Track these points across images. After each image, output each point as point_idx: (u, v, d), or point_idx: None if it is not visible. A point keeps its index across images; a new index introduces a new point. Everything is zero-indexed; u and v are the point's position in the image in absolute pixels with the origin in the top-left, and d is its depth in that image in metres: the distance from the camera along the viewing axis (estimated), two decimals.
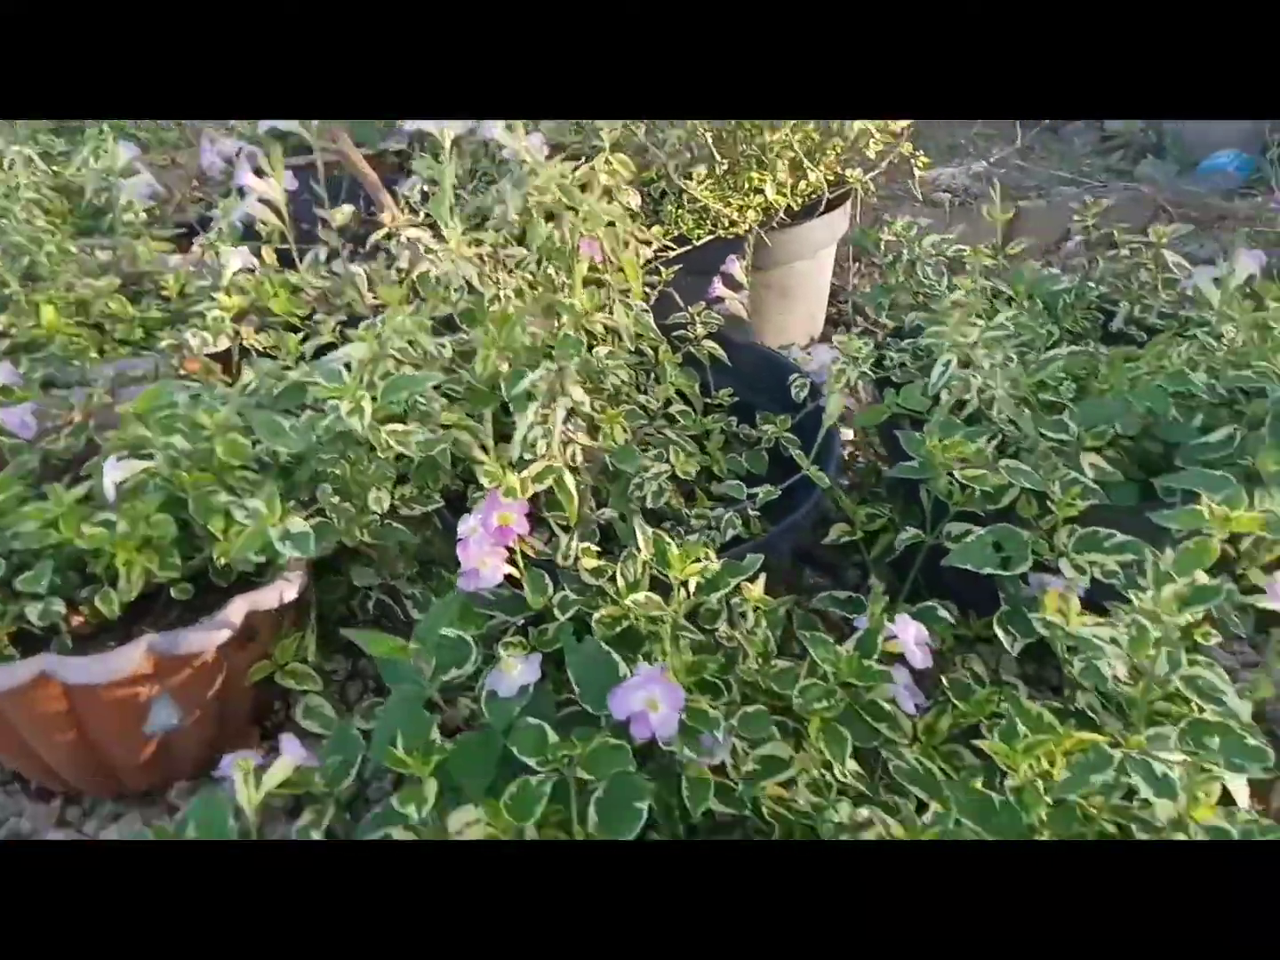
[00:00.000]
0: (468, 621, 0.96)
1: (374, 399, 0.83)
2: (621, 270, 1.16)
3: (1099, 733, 0.83)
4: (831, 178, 1.82)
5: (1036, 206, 3.40)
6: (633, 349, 1.17)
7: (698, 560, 0.89)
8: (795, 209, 1.82)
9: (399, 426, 0.87)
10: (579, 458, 0.90)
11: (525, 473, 0.83)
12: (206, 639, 0.92)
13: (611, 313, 1.15)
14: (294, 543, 0.83)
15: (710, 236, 1.68)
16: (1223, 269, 1.07)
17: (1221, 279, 1.07)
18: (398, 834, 0.84)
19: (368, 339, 0.83)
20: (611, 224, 1.16)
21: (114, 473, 0.86)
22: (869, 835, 0.80)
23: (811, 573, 1.19)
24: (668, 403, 1.13)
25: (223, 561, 0.91)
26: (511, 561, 0.86)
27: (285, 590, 0.97)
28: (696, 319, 1.28)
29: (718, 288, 1.37)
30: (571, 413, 0.95)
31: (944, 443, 0.92)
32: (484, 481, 0.82)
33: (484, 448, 0.85)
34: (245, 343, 1.24)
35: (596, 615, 0.87)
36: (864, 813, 0.82)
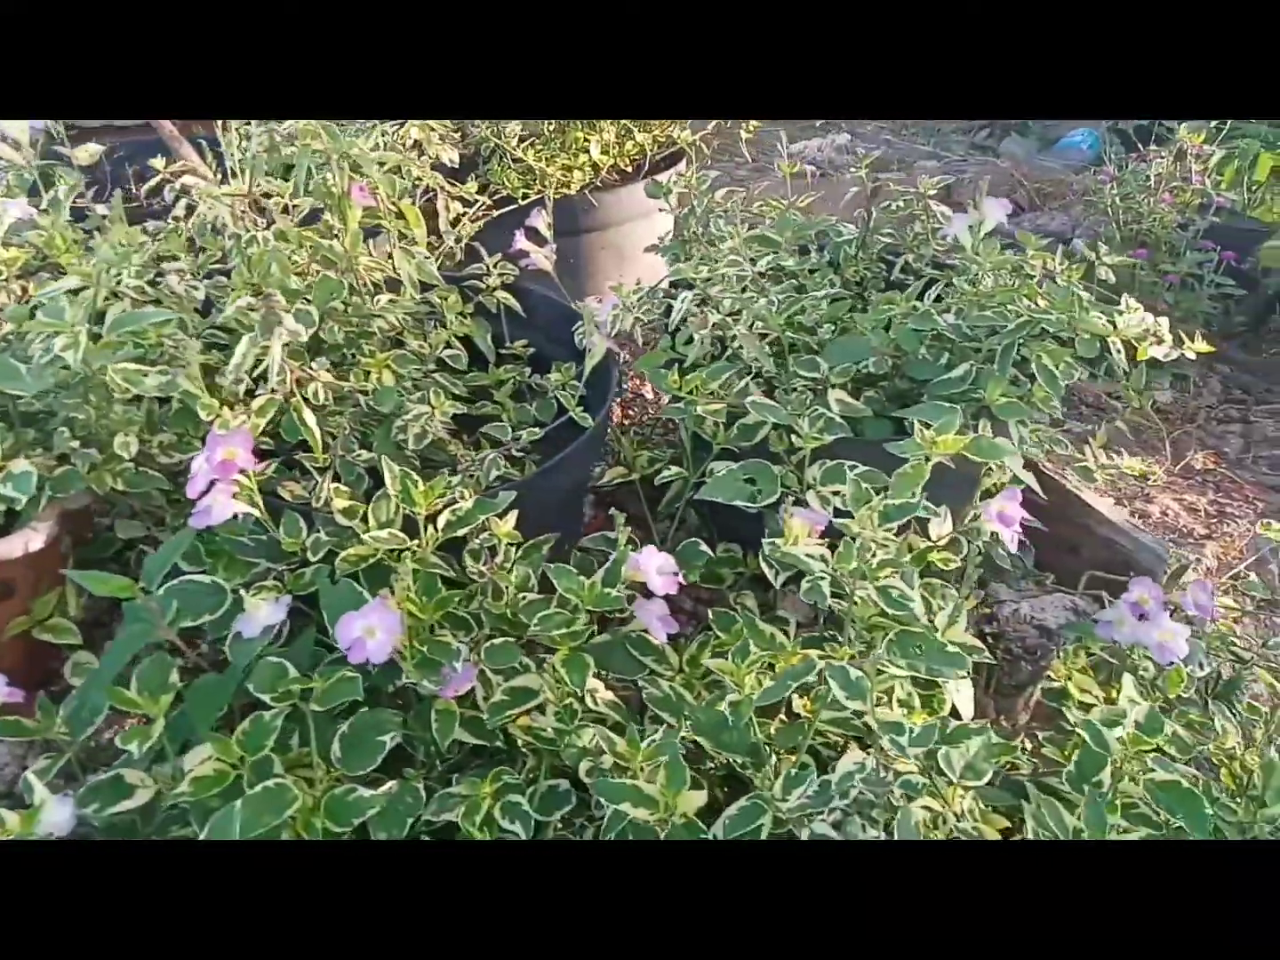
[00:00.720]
0: (228, 569, 0.96)
1: (98, 337, 0.82)
2: (403, 218, 1.16)
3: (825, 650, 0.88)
4: (664, 139, 1.85)
5: (895, 178, 3.50)
6: (418, 297, 1.17)
7: (441, 496, 0.90)
8: (626, 170, 1.84)
9: (131, 366, 0.85)
10: (321, 395, 0.90)
11: (254, 403, 0.83)
12: None
13: (391, 259, 1.15)
14: (15, 484, 0.81)
15: (536, 196, 1.69)
16: (974, 217, 1.12)
17: (974, 226, 1.13)
18: (129, 775, 0.84)
19: (86, 273, 0.81)
20: (394, 171, 1.15)
21: None
22: (606, 760, 0.84)
23: (597, 513, 1.22)
24: (447, 345, 1.13)
25: None
26: (252, 502, 0.86)
27: (31, 540, 0.94)
28: (493, 270, 1.28)
29: (520, 241, 1.37)
30: (314, 351, 0.95)
31: (685, 379, 0.95)
32: (202, 415, 0.81)
33: (201, 384, 0.84)
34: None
35: (341, 554, 0.88)
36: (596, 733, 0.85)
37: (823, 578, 0.83)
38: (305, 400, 0.89)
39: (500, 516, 0.91)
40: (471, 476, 0.99)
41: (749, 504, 0.98)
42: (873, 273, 1.29)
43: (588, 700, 0.91)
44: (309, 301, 0.97)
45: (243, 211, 1.01)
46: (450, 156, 1.47)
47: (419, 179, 1.25)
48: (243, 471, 0.84)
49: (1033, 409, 1.00)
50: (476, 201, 1.43)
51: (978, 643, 0.92)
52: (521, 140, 1.68)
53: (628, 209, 1.86)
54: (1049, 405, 0.98)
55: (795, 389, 1.05)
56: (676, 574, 0.93)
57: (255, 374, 0.85)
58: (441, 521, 0.90)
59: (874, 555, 0.85)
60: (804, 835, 0.74)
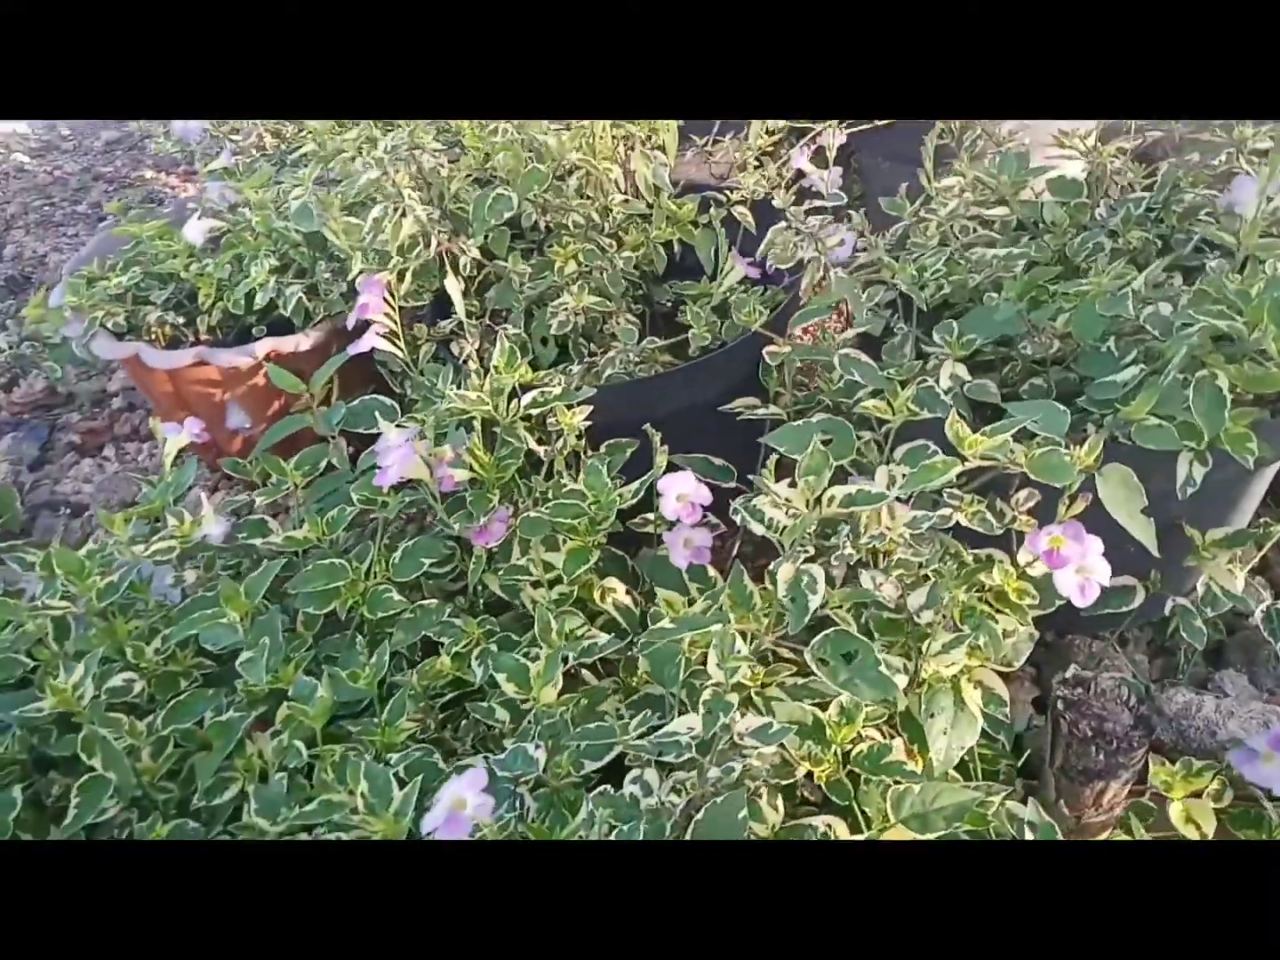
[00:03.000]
0: None
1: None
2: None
3: None
4: None
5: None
6: (650, 200, 1.24)
7: (538, 376, 1.00)
8: None
9: (351, 219, 1.08)
10: (469, 269, 1.03)
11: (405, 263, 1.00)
12: None
13: (628, 163, 1.23)
14: (287, 303, 1.10)
15: None
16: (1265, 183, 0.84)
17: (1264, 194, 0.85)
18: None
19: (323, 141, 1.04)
20: None
21: None
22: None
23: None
24: (637, 249, 1.18)
25: None
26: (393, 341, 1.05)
27: (301, 342, 1.26)
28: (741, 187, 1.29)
29: (800, 160, 1.34)
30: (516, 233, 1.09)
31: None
32: (355, 266, 1.01)
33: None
34: None
35: (445, 407, 1.02)
36: None
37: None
38: (455, 269, 1.04)
39: (572, 407, 0.98)
40: (593, 370, 1.07)
41: None
42: (1122, 242, 1.03)
43: (595, 595, 0.97)
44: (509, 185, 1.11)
45: None
46: None
47: None
48: (388, 315, 1.03)
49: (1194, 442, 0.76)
50: None
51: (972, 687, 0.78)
52: None
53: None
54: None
55: (928, 355, 0.92)
56: (704, 504, 0.92)
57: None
58: (527, 399, 1.00)
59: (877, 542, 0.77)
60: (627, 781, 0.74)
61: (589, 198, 1.21)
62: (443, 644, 0.96)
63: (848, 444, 0.91)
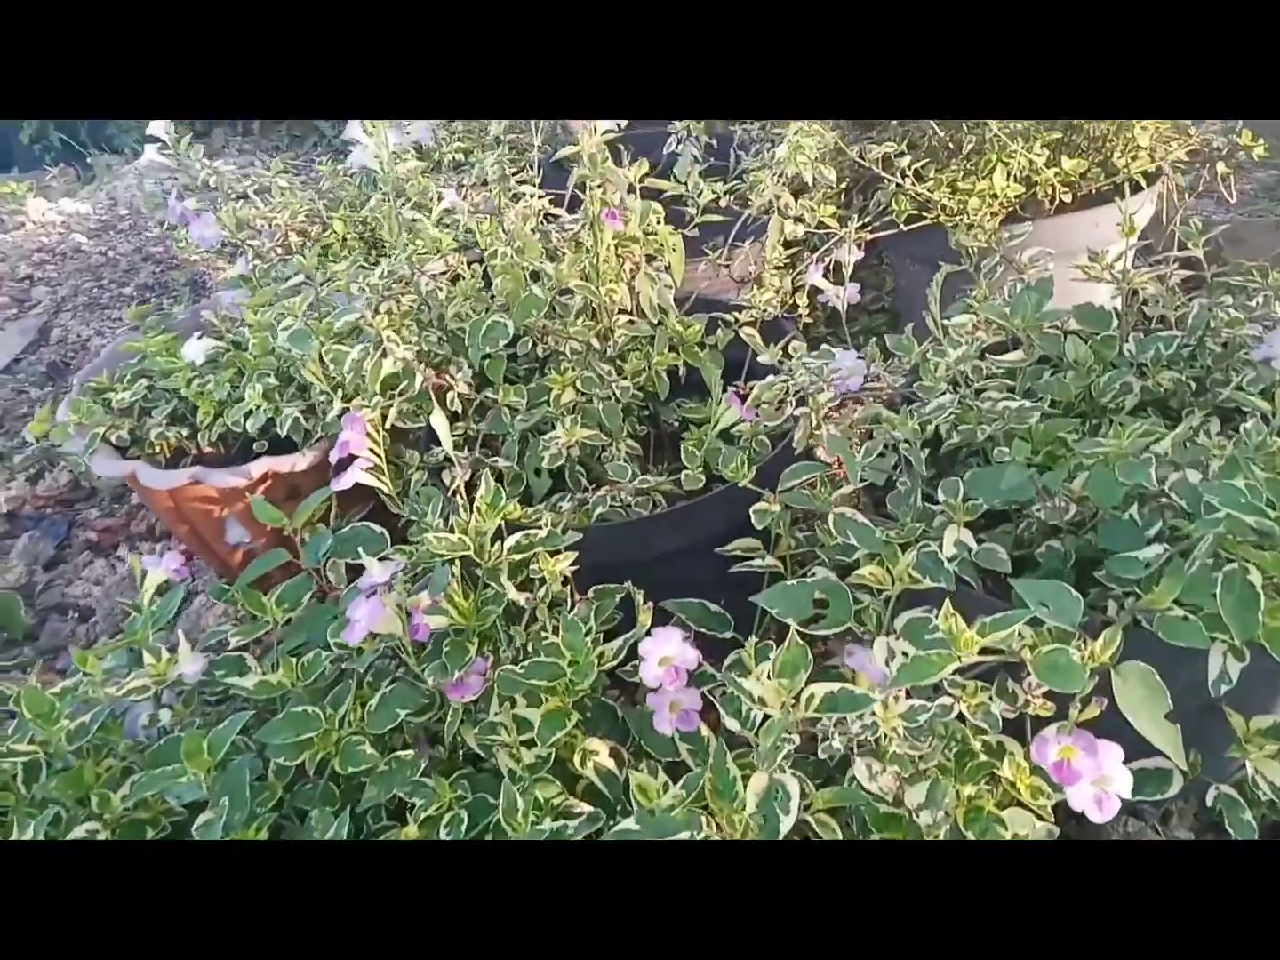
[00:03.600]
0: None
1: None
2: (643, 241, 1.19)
3: None
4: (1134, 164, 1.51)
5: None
6: (654, 321, 1.20)
7: (524, 517, 0.95)
8: (1047, 199, 1.55)
9: (338, 346, 1.05)
10: (458, 404, 1.00)
11: (375, 400, 0.97)
12: None
13: (633, 283, 1.19)
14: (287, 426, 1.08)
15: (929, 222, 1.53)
16: None
17: None
18: (249, 660, 1.07)
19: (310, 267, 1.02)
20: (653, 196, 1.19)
21: None
22: None
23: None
24: (636, 375, 1.14)
25: None
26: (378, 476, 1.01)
27: (299, 462, 1.23)
28: (752, 305, 1.24)
29: (814, 276, 1.29)
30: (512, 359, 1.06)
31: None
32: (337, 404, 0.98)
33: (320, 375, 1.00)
34: None
35: (426, 546, 0.98)
36: None
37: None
38: (442, 402, 1.00)
39: (556, 553, 0.93)
40: (584, 507, 1.02)
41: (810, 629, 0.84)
42: (1151, 383, 0.95)
43: (577, 760, 0.90)
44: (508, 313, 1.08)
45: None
46: (828, 176, 1.43)
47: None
48: (372, 450, 0.99)
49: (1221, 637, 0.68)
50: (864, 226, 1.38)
51: None
52: (915, 158, 1.53)
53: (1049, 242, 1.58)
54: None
55: (935, 510, 0.85)
56: (690, 669, 0.85)
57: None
58: (511, 541, 0.96)
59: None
60: None
61: (591, 321, 1.18)
62: (413, 805, 0.90)
63: (844, 610, 0.84)
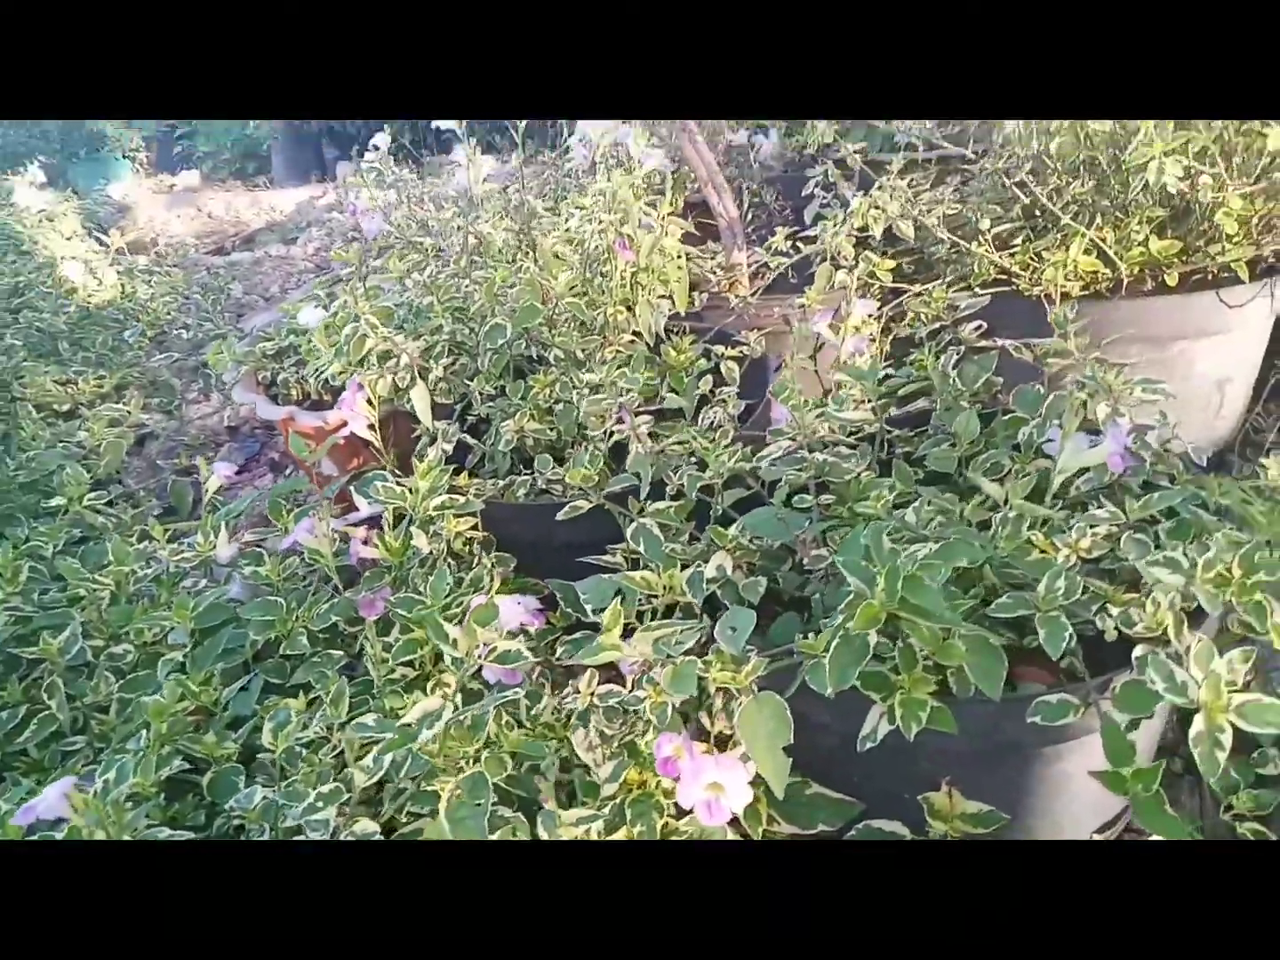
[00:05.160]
0: None
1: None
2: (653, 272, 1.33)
3: None
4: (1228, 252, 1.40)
5: None
6: (651, 344, 1.34)
7: (435, 479, 1.16)
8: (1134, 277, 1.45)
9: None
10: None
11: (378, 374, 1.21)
12: None
13: (633, 309, 1.34)
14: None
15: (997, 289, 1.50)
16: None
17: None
18: None
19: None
20: (664, 235, 1.33)
21: None
22: None
23: None
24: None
25: None
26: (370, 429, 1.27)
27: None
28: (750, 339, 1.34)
29: (820, 323, 1.36)
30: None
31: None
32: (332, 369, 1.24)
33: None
34: None
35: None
36: None
37: None
38: (424, 380, 1.23)
39: (460, 516, 1.12)
40: (510, 488, 1.20)
41: None
42: None
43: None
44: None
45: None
46: (906, 233, 1.50)
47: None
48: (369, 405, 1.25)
49: None
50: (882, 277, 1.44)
51: None
52: (995, 223, 1.51)
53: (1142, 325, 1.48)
54: None
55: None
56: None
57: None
58: (435, 501, 1.16)
59: None
60: None
61: (595, 336, 1.34)
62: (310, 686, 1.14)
63: (631, 606, 0.95)
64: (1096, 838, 0.87)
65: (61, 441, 1.92)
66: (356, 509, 1.32)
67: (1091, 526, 0.77)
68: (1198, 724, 0.65)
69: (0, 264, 2.71)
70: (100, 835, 0.85)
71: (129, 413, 1.94)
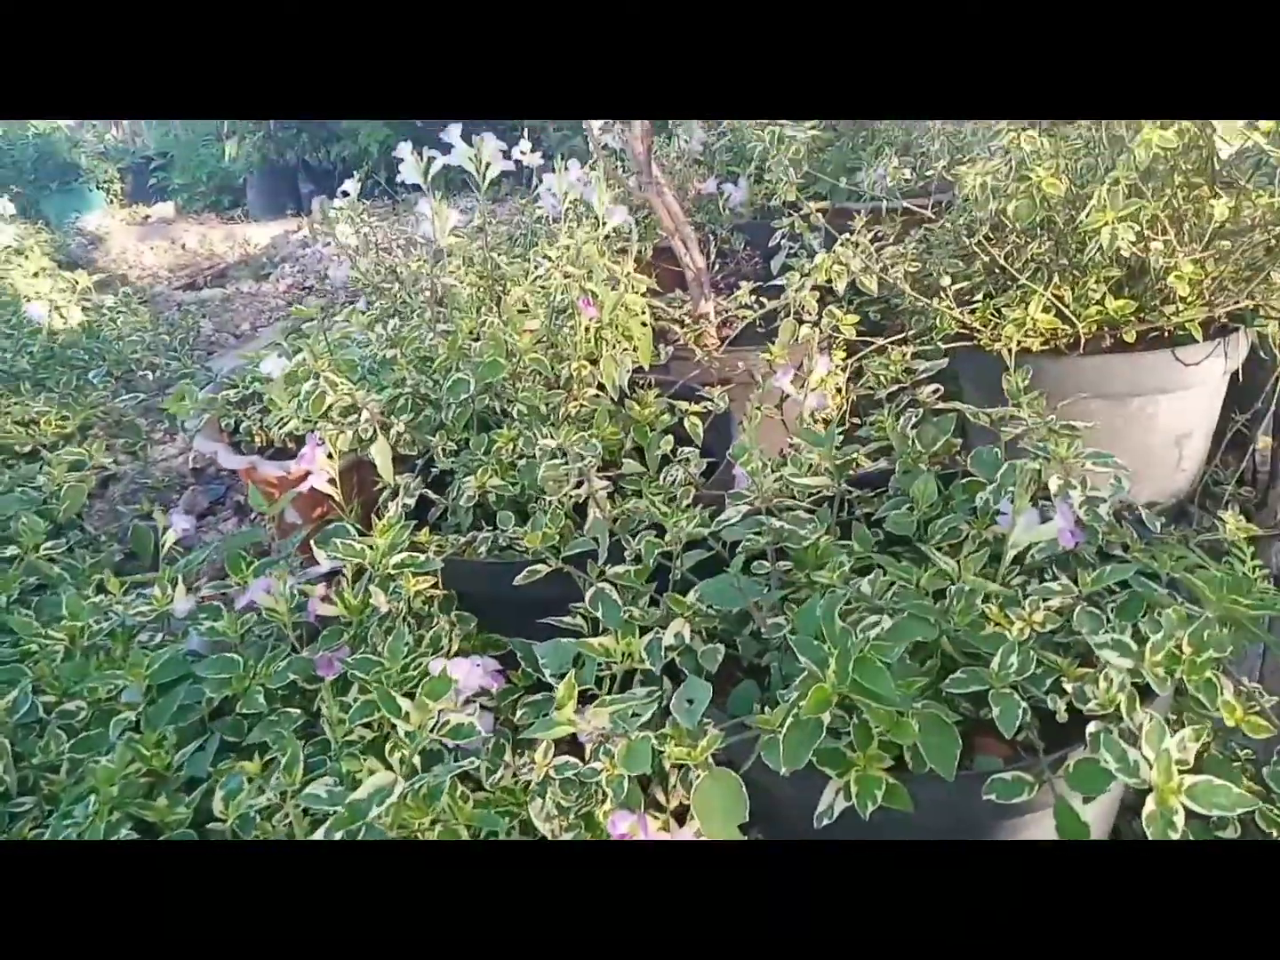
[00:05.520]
0: None
1: None
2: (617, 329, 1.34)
3: None
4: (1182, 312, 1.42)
5: None
6: (614, 397, 1.35)
7: (396, 536, 1.14)
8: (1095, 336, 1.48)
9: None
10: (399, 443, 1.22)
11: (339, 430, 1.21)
12: None
13: (598, 364, 1.35)
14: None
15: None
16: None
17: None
18: None
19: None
20: (628, 291, 1.34)
21: None
22: None
23: None
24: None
25: None
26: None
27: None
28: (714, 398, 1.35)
29: (782, 379, 1.36)
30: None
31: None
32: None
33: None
34: None
35: None
36: None
37: None
38: (385, 434, 1.23)
39: (418, 575, 1.11)
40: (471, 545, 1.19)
41: None
42: None
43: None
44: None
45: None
46: (870, 287, 1.52)
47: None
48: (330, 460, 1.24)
49: None
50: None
51: None
52: (956, 279, 1.53)
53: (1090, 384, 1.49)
54: None
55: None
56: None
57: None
58: (395, 558, 1.15)
59: None
60: None
61: (559, 390, 1.35)
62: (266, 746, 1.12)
63: (590, 675, 0.95)
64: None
65: (19, 486, 1.89)
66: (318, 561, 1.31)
67: (1044, 599, 0.78)
68: (1150, 804, 0.65)
69: None
70: None
71: (90, 455, 1.92)
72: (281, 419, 1.56)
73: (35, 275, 2.98)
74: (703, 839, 0.70)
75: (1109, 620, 0.76)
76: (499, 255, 1.43)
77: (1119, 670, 0.69)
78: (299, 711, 1.17)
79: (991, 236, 1.52)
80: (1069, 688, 0.73)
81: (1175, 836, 0.63)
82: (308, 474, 1.54)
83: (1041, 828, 0.80)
